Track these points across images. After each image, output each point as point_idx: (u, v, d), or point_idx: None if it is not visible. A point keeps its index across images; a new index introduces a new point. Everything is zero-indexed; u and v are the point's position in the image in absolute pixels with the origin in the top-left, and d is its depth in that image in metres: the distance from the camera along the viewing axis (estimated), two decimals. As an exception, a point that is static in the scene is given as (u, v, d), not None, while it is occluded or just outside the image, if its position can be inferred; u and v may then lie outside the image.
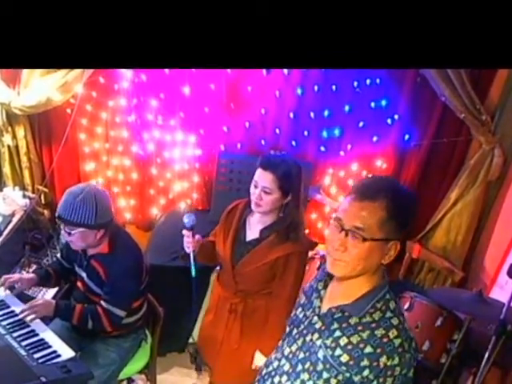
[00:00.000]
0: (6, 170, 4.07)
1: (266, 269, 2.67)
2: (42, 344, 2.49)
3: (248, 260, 2.69)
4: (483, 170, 3.73)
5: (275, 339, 2.62)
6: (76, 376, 2.30)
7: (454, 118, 3.68)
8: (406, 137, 3.94)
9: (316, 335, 1.72)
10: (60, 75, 3.67)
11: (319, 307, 1.77)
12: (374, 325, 1.60)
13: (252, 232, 2.72)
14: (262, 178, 2.54)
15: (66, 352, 2.47)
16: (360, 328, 1.62)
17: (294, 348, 1.81)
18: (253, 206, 2.60)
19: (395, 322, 1.60)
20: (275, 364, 1.88)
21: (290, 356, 1.81)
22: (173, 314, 3.26)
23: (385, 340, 1.57)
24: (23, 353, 2.38)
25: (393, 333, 1.58)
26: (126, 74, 3.85)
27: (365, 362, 1.57)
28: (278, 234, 2.63)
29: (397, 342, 1.57)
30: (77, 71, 3.67)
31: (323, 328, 1.70)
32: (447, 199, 3.90)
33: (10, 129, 3.92)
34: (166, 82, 3.89)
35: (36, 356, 2.38)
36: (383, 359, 1.55)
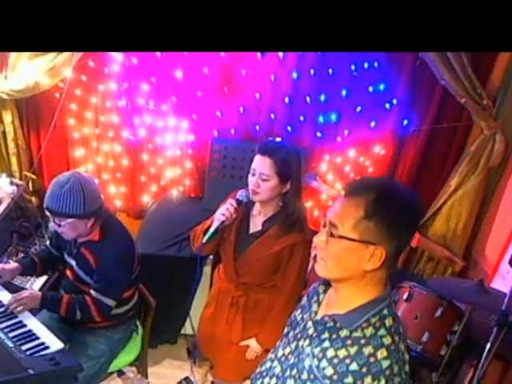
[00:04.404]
0: (-7, 156, 4.02)
1: (269, 260, 2.66)
2: (30, 335, 2.47)
3: (251, 252, 2.69)
4: (484, 156, 3.70)
5: (276, 333, 2.58)
6: (65, 368, 2.28)
7: (454, 102, 3.64)
8: (405, 122, 3.88)
9: (307, 341, 1.63)
10: (48, 59, 3.61)
11: (316, 312, 1.69)
12: (363, 341, 1.48)
13: (255, 224, 2.71)
14: (260, 164, 2.53)
15: (54, 344, 2.44)
16: (349, 342, 1.50)
17: (287, 351, 1.74)
18: (251, 195, 2.59)
19: (387, 341, 1.48)
20: (268, 364, 1.82)
21: (283, 359, 1.74)
22: (164, 304, 3.24)
23: (372, 360, 1.45)
24: (10, 344, 2.34)
25: (381, 353, 1.45)
26: (117, 57, 3.78)
27: (349, 379, 1.45)
28: (280, 226, 2.62)
29: (385, 363, 1.44)
30: (66, 54, 3.61)
31: (314, 335, 1.61)
32: (447, 186, 3.87)
33: (-4, 114, 3.86)
34: (157, 66, 3.82)
35: (24, 348, 2.35)
36: (368, 379, 1.43)
